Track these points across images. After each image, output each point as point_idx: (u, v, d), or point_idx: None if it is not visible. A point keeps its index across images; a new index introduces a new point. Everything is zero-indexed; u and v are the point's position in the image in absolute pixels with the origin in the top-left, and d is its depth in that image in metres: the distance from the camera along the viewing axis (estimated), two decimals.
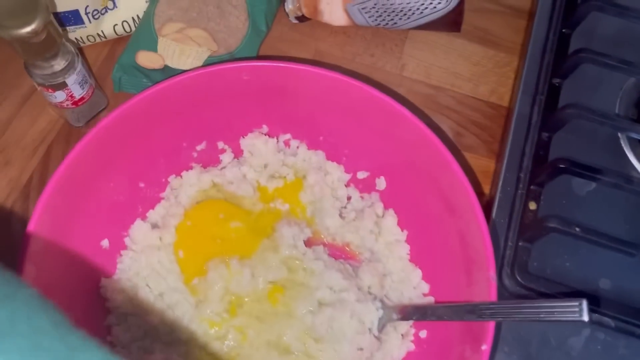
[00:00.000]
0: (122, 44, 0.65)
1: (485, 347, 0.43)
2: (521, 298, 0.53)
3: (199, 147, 0.57)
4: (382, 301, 0.52)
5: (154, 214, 0.56)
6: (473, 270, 0.48)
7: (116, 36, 0.66)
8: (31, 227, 0.45)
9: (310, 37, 0.69)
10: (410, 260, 0.55)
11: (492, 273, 0.45)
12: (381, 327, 0.51)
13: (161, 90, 0.51)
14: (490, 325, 0.44)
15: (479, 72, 0.68)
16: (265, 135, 0.58)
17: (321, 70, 0.51)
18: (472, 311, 0.44)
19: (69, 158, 0.48)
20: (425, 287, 0.54)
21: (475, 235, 0.47)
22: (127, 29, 0.65)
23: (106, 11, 0.62)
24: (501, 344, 0.52)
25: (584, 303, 0.39)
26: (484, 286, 0.46)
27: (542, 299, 0.51)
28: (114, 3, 0.62)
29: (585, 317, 0.39)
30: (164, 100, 0.52)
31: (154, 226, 0.55)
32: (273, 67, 0.51)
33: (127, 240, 0.54)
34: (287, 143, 0.59)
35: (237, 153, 0.58)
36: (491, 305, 0.44)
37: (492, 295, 0.45)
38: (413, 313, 0.48)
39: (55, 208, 0.47)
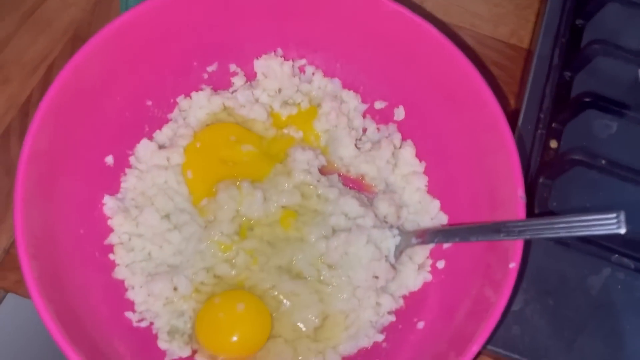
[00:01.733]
0: None
1: (514, 265, 0.41)
2: None
3: (209, 68, 0.55)
4: (399, 228, 0.50)
5: (160, 135, 0.53)
6: (497, 194, 0.46)
7: None
8: (29, 138, 0.42)
9: None
10: (428, 192, 0.53)
11: (521, 192, 0.43)
12: (398, 255, 0.49)
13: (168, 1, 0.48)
14: (519, 244, 0.42)
15: (499, 13, 0.66)
16: (280, 58, 0.55)
17: None
18: (499, 230, 0.42)
19: (70, 64, 0.45)
20: (444, 218, 0.51)
21: (502, 156, 0.45)
22: None
23: None
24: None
25: (622, 214, 0.37)
26: (511, 207, 0.44)
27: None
28: None
29: (623, 229, 0.37)
30: (176, 10, 0.50)
31: (161, 147, 0.52)
32: None
33: (132, 159, 0.52)
34: (302, 69, 0.56)
35: (250, 77, 0.56)
36: (520, 223, 0.42)
37: (520, 214, 0.43)
38: (434, 235, 0.46)
39: (57, 119, 0.44)
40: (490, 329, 0.40)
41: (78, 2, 0.61)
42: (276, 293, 0.48)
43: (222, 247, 0.49)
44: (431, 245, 0.50)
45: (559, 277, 0.52)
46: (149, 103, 0.52)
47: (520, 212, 0.43)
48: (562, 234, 0.40)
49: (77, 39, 0.59)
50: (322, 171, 0.53)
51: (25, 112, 0.56)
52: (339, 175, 0.54)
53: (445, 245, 0.50)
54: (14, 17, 0.60)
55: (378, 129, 0.56)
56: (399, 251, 0.49)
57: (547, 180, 0.54)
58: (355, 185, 0.54)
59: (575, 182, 0.54)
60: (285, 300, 0.48)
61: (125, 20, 0.47)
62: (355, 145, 0.55)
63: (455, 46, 0.48)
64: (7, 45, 0.58)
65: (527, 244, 0.44)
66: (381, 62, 0.54)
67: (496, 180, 0.46)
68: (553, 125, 0.57)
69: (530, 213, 0.52)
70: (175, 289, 0.47)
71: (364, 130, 0.56)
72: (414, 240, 0.48)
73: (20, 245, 0.38)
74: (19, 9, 0.60)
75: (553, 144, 0.57)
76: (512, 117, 0.55)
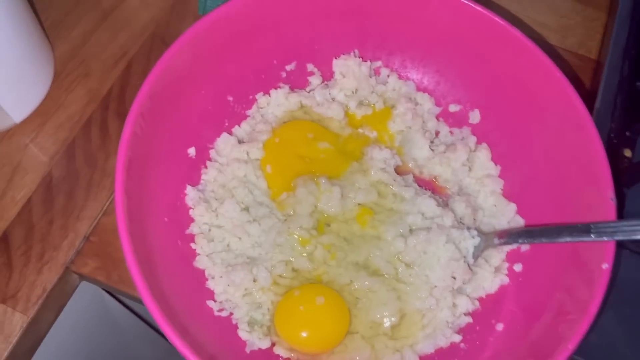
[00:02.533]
0: None
1: (607, 266, 0.41)
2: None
3: (288, 67, 0.55)
4: (477, 229, 0.50)
5: (239, 130, 0.54)
6: (582, 197, 0.46)
7: None
8: (127, 128, 0.43)
9: None
10: (504, 195, 0.53)
11: (611, 193, 0.43)
12: (477, 256, 0.49)
13: None
14: (610, 245, 0.41)
15: (567, 25, 0.66)
16: (358, 58, 0.56)
17: None
18: (589, 230, 0.42)
19: (162, 60, 0.46)
20: (521, 222, 0.51)
21: (588, 158, 0.45)
22: None
23: None
24: None
25: None
26: (600, 210, 0.44)
27: None
28: None
29: None
30: (259, 10, 0.51)
31: (240, 141, 0.53)
32: None
33: (212, 152, 0.52)
34: (377, 71, 0.57)
35: (326, 77, 0.57)
36: (612, 223, 0.41)
37: (610, 216, 0.43)
38: (518, 236, 0.46)
39: (149, 108, 0.45)
40: (584, 330, 0.39)
41: (156, 2, 0.63)
42: (354, 288, 0.48)
43: (301, 240, 0.49)
44: (512, 246, 0.49)
45: (637, 286, 0.51)
46: (230, 99, 0.53)
47: (610, 214, 0.43)
48: None
49: (155, 37, 0.61)
50: (397, 171, 0.54)
51: (106, 105, 0.57)
52: (413, 175, 0.54)
53: (523, 248, 0.50)
54: (95, 14, 0.62)
55: (451, 132, 0.56)
56: (479, 251, 0.49)
57: (622, 189, 0.54)
58: (429, 187, 0.54)
59: None
60: (362, 297, 0.48)
61: (211, 18, 0.48)
62: (429, 147, 0.55)
63: (538, 48, 0.48)
64: (88, 40, 0.60)
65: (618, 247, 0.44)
66: (457, 65, 0.54)
67: (581, 183, 0.46)
68: (627, 134, 0.57)
69: None
70: (254, 280, 0.47)
71: (437, 134, 0.56)
72: (496, 241, 0.48)
73: (122, 231, 0.39)
74: (99, 7, 0.62)
75: (627, 152, 0.56)
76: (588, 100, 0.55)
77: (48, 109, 0.56)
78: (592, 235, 0.42)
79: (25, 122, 0.55)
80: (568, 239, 0.43)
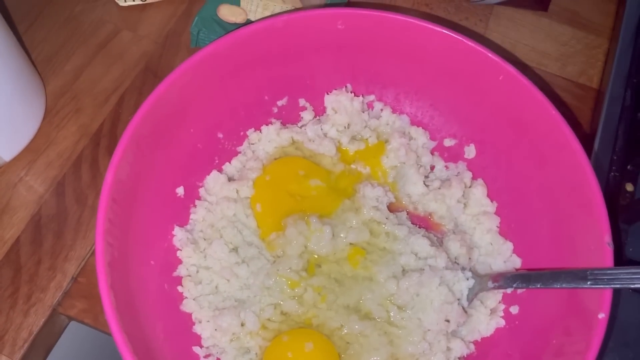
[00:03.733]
0: (199, 2, 0.64)
1: (603, 316, 0.39)
2: None
3: (279, 102, 0.55)
4: (471, 271, 0.48)
5: (230, 167, 0.53)
6: (579, 238, 0.45)
7: None
8: (112, 167, 0.42)
9: (390, 6, 0.66)
10: (500, 233, 0.51)
11: (608, 238, 0.42)
12: (471, 298, 0.47)
13: (249, 33, 0.49)
14: (607, 293, 0.40)
15: (567, 53, 0.65)
16: (350, 93, 0.55)
17: (424, 22, 0.48)
18: (586, 277, 0.40)
19: (149, 100, 0.45)
20: (518, 261, 0.50)
21: (585, 199, 0.44)
22: None
23: None
24: None
25: None
26: (595, 254, 0.42)
27: None
28: None
29: None
30: (251, 46, 0.50)
31: (230, 179, 0.52)
32: (376, 16, 0.48)
33: (201, 191, 0.52)
34: (370, 105, 0.56)
35: (318, 112, 0.56)
36: (609, 271, 0.40)
37: (607, 262, 0.41)
38: (513, 280, 0.45)
39: (135, 149, 0.44)
40: None
41: (149, 35, 0.63)
42: (345, 333, 0.47)
43: (290, 283, 0.48)
44: (507, 290, 0.48)
45: (639, 328, 0.49)
46: (220, 135, 0.53)
47: (607, 259, 0.41)
48: None
49: (148, 71, 0.60)
50: (390, 208, 0.52)
51: (97, 141, 0.56)
52: (407, 212, 0.53)
53: (520, 290, 0.48)
54: (87, 48, 0.61)
55: (447, 167, 0.55)
56: (473, 294, 0.47)
57: (624, 225, 0.52)
58: (423, 223, 0.53)
59: None
60: (353, 342, 0.46)
61: (202, 56, 0.47)
62: (424, 182, 0.54)
63: (533, 85, 0.47)
64: (80, 75, 0.60)
65: (616, 293, 0.42)
66: (451, 99, 0.53)
67: (578, 224, 0.45)
68: (628, 167, 0.55)
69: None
70: (242, 324, 0.46)
71: (432, 168, 0.55)
72: (490, 284, 0.46)
73: (100, 272, 0.38)
74: (92, 42, 0.62)
75: (629, 187, 0.55)
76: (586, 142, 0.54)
77: (39, 146, 0.56)
78: (588, 282, 0.40)
79: (15, 159, 0.55)
80: (564, 285, 0.42)
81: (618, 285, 0.39)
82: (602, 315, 0.39)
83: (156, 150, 0.47)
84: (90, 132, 0.57)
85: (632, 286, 0.39)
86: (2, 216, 0.52)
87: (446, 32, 0.48)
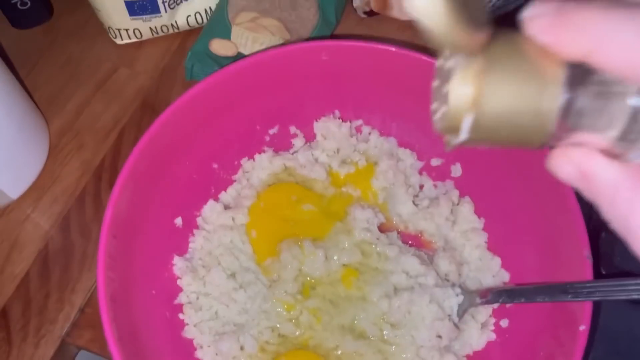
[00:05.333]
0: (192, 37, 0.67)
1: (584, 328, 0.41)
2: None
3: (271, 131, 0.57)
4: (461, 287, 0.50)
5: (226, 196, 0.55)
6: (561, 252, 0.46)
7: (188, 27, 0.67)
8: (111, 205, 0.44)
9: (377, 32, 0.69)
10: (488, 249, 0.53)
11: (587, 252, 0.43)
12: (461, 314, 0.49)
13: (239, 69, 0.51)
14: (587, 305, 0.41)
15: None
16: (338, 119, 0.57)
17: (403, 50, 0.51)
18: (566, 291, 0.42)
19: (145, 137, 0.48)
20: (506, 276, 0.51)
21: (565, 215, 0.45)
22: (199, 21, 0.66)
23: (181, 1, 0.64)
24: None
25: None
26: (577, 267, 0.44)
27: None
28: None
29: None
30: (241, 80, 0.52)
31: (226, 207, 0.55)
32: (357, 46, 0.51)
33: (199, 220, 0.54)
34: (358, 129, 0.58)
35: (309, 138, 0.58)
36: (588, 284, 0.41)
37: (587, 275, 0.43)
38: (499, 295, 0.46)
39: (133, 184, 0.47)
40: None
41: (146, 71, 0.65)
42: (340, 353, 0.48)
43: (286, 306, 0.50)
44: (494, 305, 0.49)
45: (630, 337, 0.51)
46: (215, 166, 0.55)
47: (587, 272, 0.43)
48: (635, 295, 0.39)
49: (145, 106, 0.63)
50: (382, 228, 0.54)
51: (99, 176, 0.59)
52: (398, 231, 0.55)
53: (509, 304, 0.50)
54: (87, 87, 0.64)
55: (435, 185, 0.57)
56: (463, 310, 0.49)
57: (610, 235, 0.54)
58: (415, 241, 0.55)
59: None
60: None
61: (195, 92, 0.50)
62: (413, 202, 0.55)
63: None
64: (82, 113, 0.63)
65: (597, 303, 0.44)
66: None
67: (559, 239, 0.46)
68: None
69: (595, 269, 0.52)
70: (241, 348, 0.48)
71: (421, 187, 0.57)
72: (477, 300, 0.48)
73: (102, 307, 0.41)
74: (92, 80, 0.65)
75: None
76: None
77: (44, 183, 0.58)
78: (569, 295, 0.42)
79: (22, 197, 0.57)
80: (547, 299, 0.43)
81: (597, 298, 0.41)
82: (583, 327, 0.41)
83: (154, 184, 0.50)
84: (92, 167, 0.60)
85: (611, 298, 0.40)
86: (11, 252, 0.55)
87: (425, 58, 0.50)
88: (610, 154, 0.23)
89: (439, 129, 0.24)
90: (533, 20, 0.22)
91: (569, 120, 0.22)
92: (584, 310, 0.41)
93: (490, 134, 0.23)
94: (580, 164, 0.23)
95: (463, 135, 0.23)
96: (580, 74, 0.22)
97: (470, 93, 0.22)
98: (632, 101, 0.21)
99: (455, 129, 0.23)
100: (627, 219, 0.22)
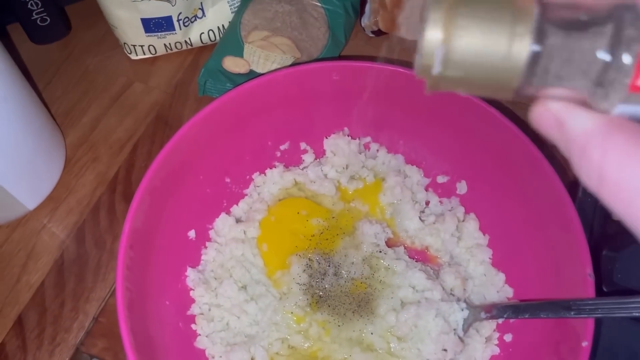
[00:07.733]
0: (205, 53, 0.68)
1: (586, 344, 0.42)
2: None
3: (282, 147, 0.59)
4: (466, 301, 0.51)
5: (237, 209, 0.57)
6: (563, 270, 0.48)
7: (201, 44, 0.69)
8: (129, 218, 0.46)
9: (385, 51, 0.70)
10: (493, 264, 0.55)
11: (589, 270, 0.45)
12: (466, 328, 0.50)
13: (253, 87, 0.53)
14: (590, 322, 0.43)
15: None
16: (347, 136, 0.59)
17: (412, 71, 0.52)
18: (569, 307, 0.43)
19: (161, 154, 0.49)
20: (510, 291, 0.53)
21: (567, 234, 0.47)
22: (212, 38, 0.68)
23: (195, 19, 0.66)
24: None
25: None
26: (579, 284, 0.45)
27: None
28: (203, 12, 0.66)
29: None
30: (254, 98, 0.54)
31: (238, 220, 0.56)
32: (366, 67, 0.52)
33: (211, 232, 0.55)
34: (367, 146, 0.60)
35: (318, 154, 0.60)
36: (590, 301, 0.43)
37: (589, 292, 0.44)
38: (504, 311, 0.48)
39: (150, 199, 0.48)
40: None
41: (160, 86, 0.67)
42: None
43: (296, 318, 0.51)
44: (498, 320, 0.51)
45: (630, 353, 0.52)
46: (228, 180, 0.57)
47: (589, 290, 0.44)
48: (636, 313, 0.41)
49: (159, 120, 0.65)
50: (389, 243, 0.56)
51: (113, 188, 0.61)
52: (405, 247, 0.56)
53: (513, 319, 0.51)
54: (102, 101, 0.66)
55: (441, 202, 0.59)
56: (468, 324, 0.50)
57: (611, 252, 0.55)
58: (421, 256, 0.56)
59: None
60: None
61: (209, 110, 0.51)
62: (420, 218, 0.57)
63: (517, 128, 0.50)
64: (97, 126, 0.64)
65: (598, 319, 0.45)
66: (441, 140, 0.57)
67: (562, 256, 0.48)
68: None
69: (597, 285, 0.53)
70: (252, 358, 0.50)
71: (427, 204, 0.59)
72: (482, 315, 0.49)
73: (121, 317, 0.42)
74: (107, 94, 0.66)
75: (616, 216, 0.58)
76: (571, 188, 0.56)
77: (60, 195, 0.60)
78: (572, 312, 0.43)
79: (38, 208, 0.59)
80: (550, 315, 0.44)
81: (599, 315, 0.42)
82: (585, 344, 0.42)
83: (169, 198, 0.51)
84: (106, 179, 0.61)
85: (613, 315, 0.42)
86: (28, 262, 0.56)
87: None
88: (587, 106, 0.23)
89: (418, 70, 0.24)
90: None
91: (540, 62, 0.22)
92: (586, 326, 0.43)
93: (463, 72, 0.23)
94: (557, 112, 0.23)
95: (436, 68, 0.23)
96: (552, 15, 0.22)
97: (440, 27, 0.23)
98: (602, 50, 0.21)
99: (430, 67, 0.23)
100: (600, 168, 0.22)
